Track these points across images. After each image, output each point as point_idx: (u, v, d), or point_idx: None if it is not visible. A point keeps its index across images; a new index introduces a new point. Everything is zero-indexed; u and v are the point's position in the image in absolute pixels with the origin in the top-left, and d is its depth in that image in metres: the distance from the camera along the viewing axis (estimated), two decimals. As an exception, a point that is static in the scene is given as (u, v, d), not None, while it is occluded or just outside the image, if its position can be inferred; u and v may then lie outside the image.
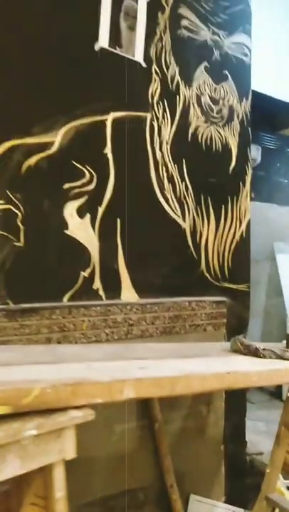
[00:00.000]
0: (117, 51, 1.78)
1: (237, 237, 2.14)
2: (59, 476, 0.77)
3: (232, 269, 2.11)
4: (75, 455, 0.84)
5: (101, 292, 1.69)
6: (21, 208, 1.53)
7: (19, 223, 1.52)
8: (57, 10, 1.63)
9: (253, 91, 2.24)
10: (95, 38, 1.72)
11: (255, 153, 3.71)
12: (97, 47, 1.72)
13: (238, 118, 2.16)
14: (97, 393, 0.76)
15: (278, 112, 3.87)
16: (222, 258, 2.08)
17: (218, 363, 1.11)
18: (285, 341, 1.42)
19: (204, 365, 1.01)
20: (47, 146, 1.59)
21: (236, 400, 2.09)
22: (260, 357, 1.21)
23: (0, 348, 1.30)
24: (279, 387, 3.69)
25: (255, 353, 1.23)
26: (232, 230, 2.12)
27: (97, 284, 1.69)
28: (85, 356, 1.14)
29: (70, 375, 0.81)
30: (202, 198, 2.02)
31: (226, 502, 1.98)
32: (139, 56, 1.84)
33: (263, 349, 1.23)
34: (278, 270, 4.13)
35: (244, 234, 2.16)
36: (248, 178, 2.19)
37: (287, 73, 2.92)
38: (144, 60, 1.85)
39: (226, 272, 2.09)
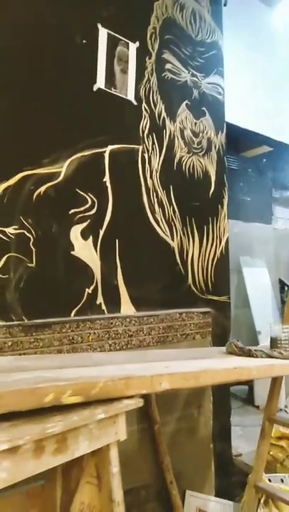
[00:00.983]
0: (112, 91, 2.00)
1: (218, 253, 2.39)
2: (115, 455, 0.94)
3: (214, 283, 2.34)
4: (126, 437, 1.01)
5: (103, 307, 1.87)
6: (33, 232, 1.69)
7: (31, 246, 1.68)
8: (60, 56, 1.84)
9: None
10: (93, 80, 1.94)
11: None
12: (95, 87, 1.94)
13: (215, 148, 2.44)
14: (142, 385, 0.94)
15: (240, 137, 4.23)
16: (206, 273, 2.31)
17: (223, 361, 1.31)
18: (269, 343, 1.66)
19: (214, 363, 1.21)
20: (54, 176, 1.77)
21: (222, 401, 2.31)
22: (254, 356, 1.43)
23: (38, 357, 1.44)
24: (250, 394, 3.95)
25: (248, 353, 1.45)
26: (213, 247, 2.37)
27: (100, 299, 1.86)
28: (112, 360, 1.31)
29: (114, 374, 0.98)
30: (187, 220, 2.25)
31: (216, 496, 2.17)
32: (131, 95, 2.07)
33: (255, 350, 1.45)
34: (245, 282, 4.44)
35: (224, 250, 2.42)
36: (225, 201, 2.46)
37: (247, 105, 3.25)
38: (135, 98, 2.09)
39: (210, 285, 2.32)
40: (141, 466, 1.89)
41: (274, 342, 1.68)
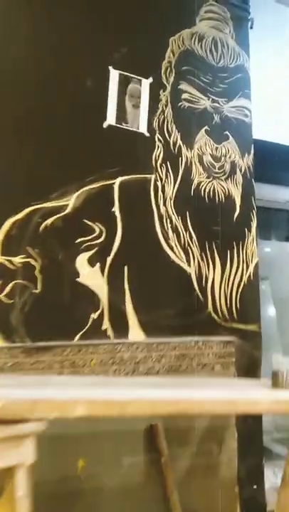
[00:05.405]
0: (123, 126, 2.11)
1: (244, 279, 2.26)
2: (21, 478, 0.96)
3: (240, 310, 2.22)
4: (34, 460, 1.02)
5: (109, 332, 1.91)
6: (39, 260, 1.83)
7: (37, 273, 1.82)
8: (71, 98, 2.02)
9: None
10: (104, 117, 2.08)
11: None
12: (105, 124, 2.07)
13: (240, 171, 2.37)
14: (52, 409, 0.95)
15: None
16: (229, 299, 2.21)
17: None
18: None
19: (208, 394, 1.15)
20: (62, 208, 1.92)
21: (251, 440, 2.12)
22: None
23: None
24: None
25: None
26: (239, 273, 2.26)
27: (106, 324, 1.91)
28: (72, 384, 1.34)
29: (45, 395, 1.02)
30: (207, 245, 2.20)
31: None
32: (143, 128, 2.16)
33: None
34: None
35: (252, 276, 2.29)
36: (254, 224, 2.35)
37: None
38: (148, 130, 2.17)
39: (234, 313, 2.20)
40: (145, 502, 1.82)
41: (276, 377, 1.53)
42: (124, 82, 2.15)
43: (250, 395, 1.28)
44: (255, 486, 2.08)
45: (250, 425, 2.12)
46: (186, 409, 1.10)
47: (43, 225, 1.87)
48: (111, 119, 2.09)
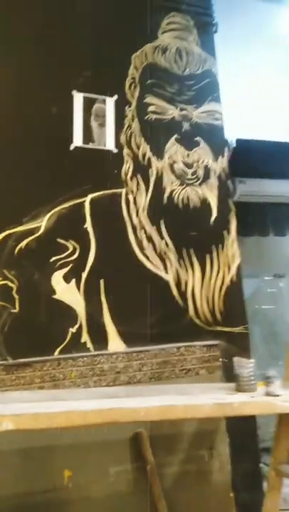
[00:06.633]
0: (90, 146, 2.20)
1: (226, 281, 2.26)
2: None
3: (225, 313, 2.21)
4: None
5: (89, 345, 1.97)
6: (16, 281, 1.94)
7: (14, 294, 1.93)
8: (37, 123, 2.13)
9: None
10: (71, 139, 2.17)
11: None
12: (72, 146, 2.17)
13: (214, 174, 2.38)
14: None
15: None
16: (212, 303, 2.21)
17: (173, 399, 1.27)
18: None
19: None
20: (35, 230, 2.02)
21: (244, 444, 2.09)
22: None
23: None
24: None
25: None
26: (220, 276, 2.26)
27: (85, 337, 1.98)
28: (19, 399, 1.41)
29: None
30: (184, 251, 2.23)
31: None
32: (110, 145, 2.24)
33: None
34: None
35: (235, 278, 2.28)
36: (233, 226, 2.35)
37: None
38: (116, 146, 2.24)
39: (218, 316, 2.20)
40: (133, 510, 1.85)
41: (237, 378, 1.54)
42: (88, 104, 2.24)
43: (194, 400, 1.30)
44: (251, 491, 2.05)
45: (242, 429, 2.10)
46: (119, 417, 1.14)
47: (18, 248, 1.98)
48: (78, 140, 2.18)
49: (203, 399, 1.30)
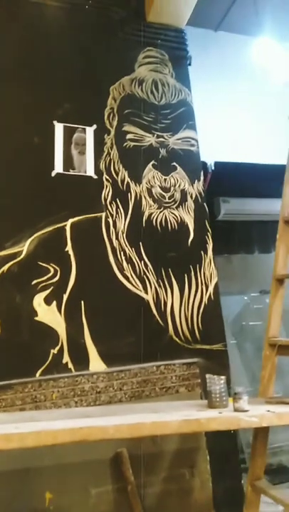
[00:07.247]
0: (71, 172, 2.30)
1: (205, 300, 2.33)
2: None
3: (203, 331, 2.27)
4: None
5: (70, 365, 2.02)
6: (-3, 305, 1.99)
7: (-4, 317, 1.98)
8: (19, 154, 2.23)
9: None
10: (52, 167, 2.27)
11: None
12: (53, 173, 2.27)
13: (191, 198, 2.49)
14: None
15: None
16: (191, 322, 2.27)
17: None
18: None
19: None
20: (16, 254, 2.09)
21: (225, 461, 2.12)
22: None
23: None
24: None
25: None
26: (198, 295, 2.33)
27: (66, 358, 2.02)
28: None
29: None
30: (163, 272, 2.30)
31: None
32: (90, 171, 2.34)
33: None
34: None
35: (212, 296, 2.35)
36: (210, 246, 2.44)
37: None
38: (96, 172, 2.34)
39: (197, 334, 2.26)
40: (115, 529, 1.86)
41: (209, 395, 1.59)
42: (68, 133, 2.35)
43: (163, 417, 1.34)
44: (232, 509, 2.06)
45: (223, 447, 2.13)
46: (88, 436, 1.18)
47: (0, 272, 2.04)
48: (58, 167, 2.28)
49: (172, 416, 1.34)
